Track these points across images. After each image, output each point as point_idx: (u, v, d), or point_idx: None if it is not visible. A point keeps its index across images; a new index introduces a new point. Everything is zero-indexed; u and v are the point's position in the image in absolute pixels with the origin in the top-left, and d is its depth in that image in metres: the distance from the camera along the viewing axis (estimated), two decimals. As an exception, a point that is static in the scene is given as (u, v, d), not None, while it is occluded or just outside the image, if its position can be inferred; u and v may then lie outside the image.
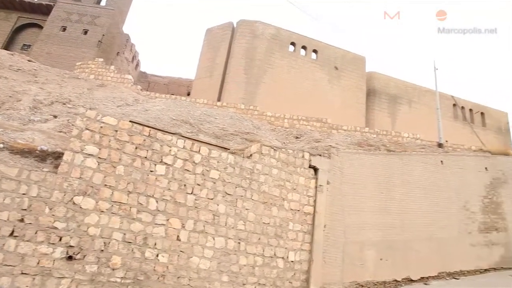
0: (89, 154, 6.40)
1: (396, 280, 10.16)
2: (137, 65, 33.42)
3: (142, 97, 16.22)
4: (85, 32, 26.25)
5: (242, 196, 8.09)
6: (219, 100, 21.25)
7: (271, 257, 8.20)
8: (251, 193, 8.25)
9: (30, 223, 5.65)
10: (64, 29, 26.23)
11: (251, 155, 8.63)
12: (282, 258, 8.37)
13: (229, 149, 9.19)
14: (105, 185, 6.42)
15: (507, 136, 31.63)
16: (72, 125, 8.90)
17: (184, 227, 7.10)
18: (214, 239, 7.43)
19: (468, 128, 28.23)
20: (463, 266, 11.52)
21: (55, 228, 5.80)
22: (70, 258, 5.82)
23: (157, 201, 6.91)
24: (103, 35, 26.15)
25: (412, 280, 10.37)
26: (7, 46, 25.55)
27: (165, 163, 7.22)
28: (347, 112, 24.27)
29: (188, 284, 6.86)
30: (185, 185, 7.34)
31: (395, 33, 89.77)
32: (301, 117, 18.07)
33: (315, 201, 9.35)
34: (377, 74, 28.30)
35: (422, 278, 10.58)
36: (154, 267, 6.58)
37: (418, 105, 28.25)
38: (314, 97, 23.76)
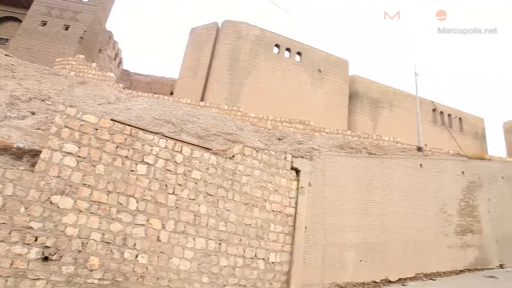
0: (68, 153, 6.26)
1: (374, 281, 10.31)
2: (120, 63, 32.92)
3: (124, 95, 16.00)
4: (66, 28, 25.70)
5: (223, 197, 8.06)
6: (202, 100, 21.17)
7: (252, 258, 8.20)
8: (232, 194, 8.24)
9: (4, 223, 5.47)
10: (44, 24, 25.61)
11: (233, 156, 8.62)
12: (263, 259, 8.38)
13: (211, 149, 9.15)
14: (84, 184, 6.29)
15: (483, 141, 32.61)
16: (51, 122, 8.71)
17: (164, 227, 7.03)
18: (194, 240, 7.38)
19: (446, 132, 28.96)
20: (439, 268, 11.79)
21: (31, 228, 5.64)
22: (46, 259, 5.66)
23: (137, 201, 6.81)
24: (85, 31, 25.66)
25: (390, 281, 10.55)
26: (-17, 40, 24.79)
27: (146, 163, 7.13)
28: (330, 115, 24.56)
29: (168, 285, 6.79)
30: (166, 185, 7.26)
31: (378, 36, 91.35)
32: (284, 119, 18.19)
33: (296, 202, 9.40)
34: (359, 78, 28.74)
35: (400, 279, 10.77)
36: (133, 268, 6.48)
37: (399, 109, 28.82)
38: (297, 99, 23.94)
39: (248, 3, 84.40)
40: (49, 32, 25.25)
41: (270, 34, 25.30)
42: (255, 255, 8.27)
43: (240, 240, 8.09)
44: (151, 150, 7.26)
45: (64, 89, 13.65)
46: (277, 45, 25.34)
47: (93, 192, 6.34)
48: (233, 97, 21.99)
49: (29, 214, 5.67)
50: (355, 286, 9.92)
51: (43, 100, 11.99)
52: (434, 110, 30.32)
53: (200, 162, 7.89)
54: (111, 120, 7.37)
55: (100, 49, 28.12)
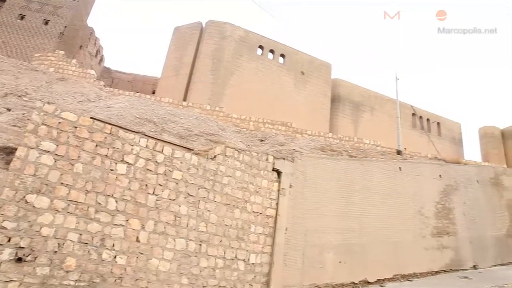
0: (45, 151, 6.10)
1: (353, 283, 10.44)
2: (101, 60, 32.31)
3: (104, 93, 15.73)
4: (46, 23, 25.01)
5: (204, 197, 8.03)
6: (184, 100, 21.00)
7: (232, 259, 8.19)
8: (213, 195, 8.21)
9: (-24, 222, 5.30)
10: (22, 17, 24.86)
11: (215, 156, 8.59)
12: (243, 260, 8.38)
13: (193, 149, 9.10)
14: (62, 183, 6.14)
15: (460, 145, 33.52)
16: (28, 119, 8.48)
17: (144, 228, 6.94)
18: (174, 240, 7.31)
19: (425, 136, 29.63)
20: (416, 269, 12.03)
21: (4, 228, 5.46)
22: (19, 260, 5.49)
23: (116, 201, 6.70)
24: (65, 26, 25.05)
25: (369, 282, 10.70)
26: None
27: (127, 162, 7.02)
28: (312, 117, 24.76)
29: (147, 287, 6.70)
30: (146, 185, 7.17)
31: (361, 40, 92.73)
32: (267, 120, 18.26)
33: (277, 204, 9.44)
34: (342, 81, 29.09)
35: (378, 280, 10.94)
36: (112, 269, 6.37)
37: (380, 113, 29.30)
38: (280, 101, 24.04)
39: (232, 4, 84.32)
40: (27, 26, 24.52)
41: (254, 36, 25.34)
42: (236, 256, 8.26)
43: (221, 241, 8.07)
44: (132, 149, 7.16)
45: (42, 86, 13.32)
46: (261, 47, 25.39)
47: (70, 191, 6.20)
48: (215, 98, 21.92)
49: (2, 214, 5.49)
50: (334, 287, 10.01)
51: (19, 96, 11.66)
52: (413, 114, 30.98)
53: (181, 162, 7.83)
54: (91, 118, 7.23)
55: (81, 46, 27.53)
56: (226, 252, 8.10)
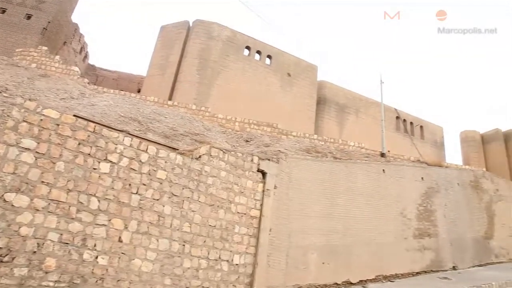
0: (26, 148, 5.96)
1: (336, 283, 10.53)
2: (86, 57, 31.74)
3: (89, 91, 15.47)
4: (28, 17, 24.43)
5: (189, 197, 7.98)
6: (170, 99, 20.85)
7: (216, 260, 8.16)
8: (198, 195, 8.17)
9: (-48, 221, 5.14)
10: (3, 11, 24.21)
11: (200, 156, 8.55)
12: (227, 261, 8.36)
13: (178, 149, 9.03)
14: (42, 182, 6.01)
15: (442, 149, 34.21)
16: (8, 116, 8.26)
17: (127, 228, 6.85)
18: (158, 241, 7.25)
19: (408, 139, 30.11)
20: (398, 270, 12.22)
21: (-18, 227, 5.33)
22: (-3, 260, 5.36)
23: (99, 200, 6.60)
24: (49, 22, 24.53)
25: (351, 283, 10.81)
26: None
27: (110, 161, 6.92)
28: (298, 119, 24.89)
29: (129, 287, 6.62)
30: (130, 184, 7.09)
31: (347, 43, 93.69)
32: (252, 121, 18.27)
33: (262, 205, 9.46)
34: (328, 84, 29.33)
35: (361, 281, 11.07)
36: (93, 269, 6.27)
37: (365, 116, 29.66)
38: (266, 102, 24.09)
39: (220, 4, 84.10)
40: (8, 20, 23.90)
41: (242, 36, 25.33)
42: (219, 257, 8.23)
43: (205, 241, 8.04)
44: (115, 148, 7.06)
45: (23, 82, 13.02)
46: (248, 47, 25.39)
47: (51, 190, 6.07)
48: (201, 97, 21.82)
49: (-20, 212, 5.35)
50: (317, 288, 10.10)
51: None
52: (397, 117, 31.47)
53: (165, 162, 7.76)
54: (74, 116, 7.10)
55: (65, 42, 26.99)
56: (209, 252, 8.07)
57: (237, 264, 8.55)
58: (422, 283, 11.51)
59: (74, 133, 6.57)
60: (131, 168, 7.18)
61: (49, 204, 5.99)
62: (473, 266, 14.66)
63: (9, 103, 10.16)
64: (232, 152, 9.38)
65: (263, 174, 9.79)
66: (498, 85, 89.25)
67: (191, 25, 25.02)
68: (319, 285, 10.14)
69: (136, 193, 7.13)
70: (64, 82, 14.98)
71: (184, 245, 7.65)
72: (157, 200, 7.42)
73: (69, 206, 6.21)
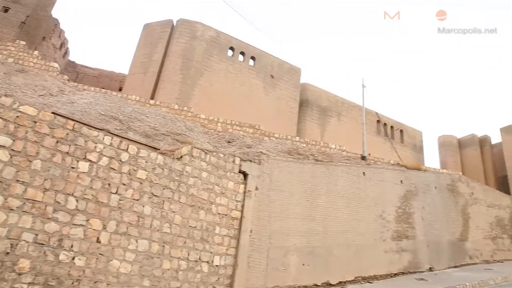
0: (1, 146, 5.77)
1: (316, 285, 10.62)
2: (66, 53, 31.02)
3: (68, 88, 15.15)
4: (6, 10, 23.70)
5: (169, 198, 7.91)
6: (152, 98, 20.60)
7: (196, 261, 8.12)
8: (179, 196, 8.10)
9: None
10: (-21, 4, 23.51)
11: (181, 156, 8.49)
12: (207, 262, 8.32)
13: (159, 149, 8.95)
14: (18, 180, 5.83)
15: (421, 153, 34.93)
16: (-18, 112, 8.01)
17: (105, 228, 6.73)
18: (137, 241, 7.15)
19: (388, 143, 30.64)
20: (377, 271, 12.41)
21: (-48, 226, 5.14)
22: (-32, 260, 5.18)
23: (77, 200, 6.46)
24: (28, 16, 23.87)
25: (331, 285, 10.92)
26: None
27: (89, 160, 6.79)
28: (280, 120, 24.99)
29: (106, 289, 6.51)
30: (109, 184, 6.97)
31: (330, 46, 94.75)
32: (235, 122, 18.26)
33: (243, 206, 9.46)
34: (311, 86, 29.55)
35: (340, 282, 11.19)
36: (69, 271, 6.13)
37: (346, 119, 30.01)
38: (248, 103, 24.10)
39: (204, 4, 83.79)
40: (-15, 13, 23.19)
41: (225, 37, 25.28)
42: (199, 258, 8.19)
43: (185, 242, 7.98)
44: (95, 147, 6.93)
45: None
46: (231, 48, 25.36)
47: (27, 189, 5.90)
48: (184, 97, 21.66)
49: (-50, 211, 5.16)
50: (296, 289, 10.14)
51: (-26, 87, 11.02)
52: (378, 121, 31.97)
53: (146, 162, 7.67)
54: (52, 113, 6.94)
55: (44, 37, 26.30)
56: (189, 253, 8.01)
57: (217, 265, 8.52)
58: (399, 284, 11.73)
59: (52, 131, 6.41)
60: (111, 168, 7.06)
61: (24, 203, 5.83)
62: (449, 268, 15.02)
63: (-16, 99, 9.85)
64: (214, 153, 9.34)
65: (245, 175, 9.80)
66: (488, 88, 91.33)
67: (175, 24, 24.83)
68: (299, 287, 10.20)
69: (116, 193, 7.02)
70: (43, 78, 14.63)
71: (164, 246, 7.57)
72: (137, 200, 7.32)
73: (46, 206, 6.05)
